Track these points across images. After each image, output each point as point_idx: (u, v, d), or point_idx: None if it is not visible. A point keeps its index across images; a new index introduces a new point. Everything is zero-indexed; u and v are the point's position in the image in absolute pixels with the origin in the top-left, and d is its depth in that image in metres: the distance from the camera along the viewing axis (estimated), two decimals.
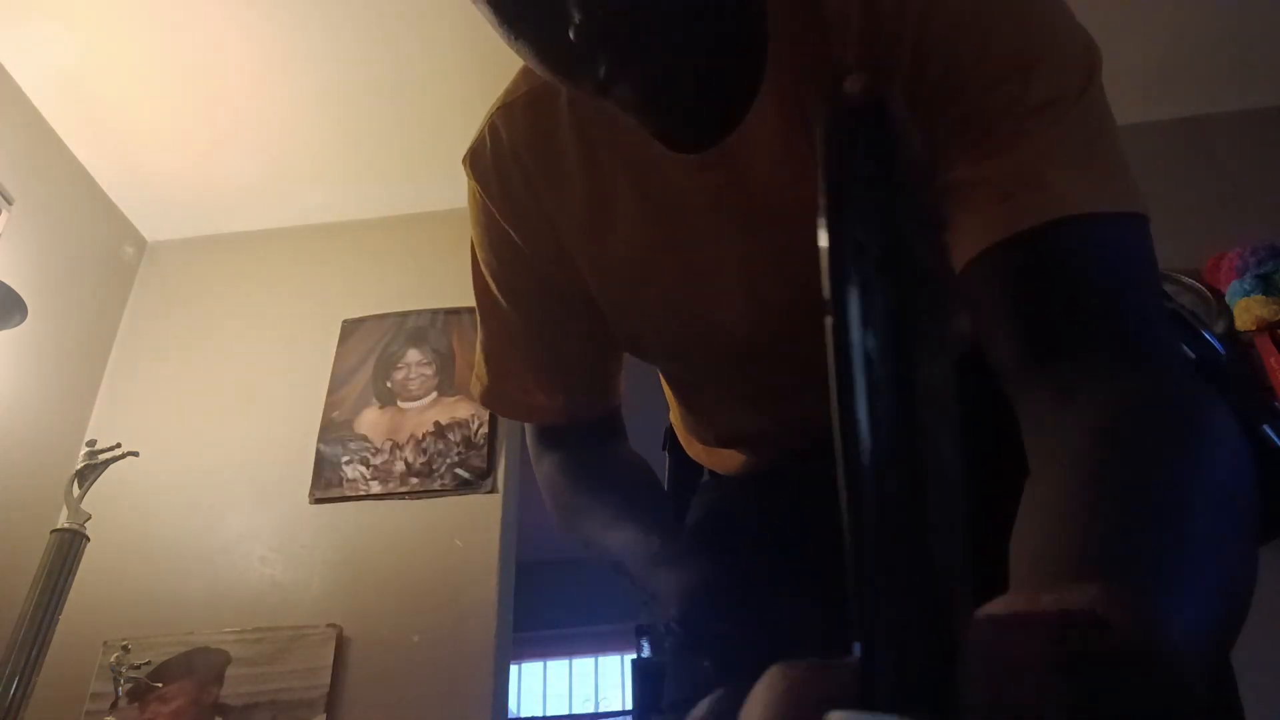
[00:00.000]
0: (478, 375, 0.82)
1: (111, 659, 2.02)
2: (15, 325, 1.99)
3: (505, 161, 0.73)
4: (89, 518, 1.72)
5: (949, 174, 0.55)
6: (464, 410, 2.38)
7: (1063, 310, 0.50)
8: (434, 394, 2.42)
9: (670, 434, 0.93)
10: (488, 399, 0.82)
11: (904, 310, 0.22)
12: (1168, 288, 2.22)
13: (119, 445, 1.84)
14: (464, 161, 0.76)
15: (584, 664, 5.34)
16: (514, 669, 4.72)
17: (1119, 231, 0.53)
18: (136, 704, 2.02)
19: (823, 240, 0.22)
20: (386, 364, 2.48)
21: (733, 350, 0.70)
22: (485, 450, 2.31)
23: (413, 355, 2.49)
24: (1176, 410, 0.45)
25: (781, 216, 0.65)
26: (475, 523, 2.22)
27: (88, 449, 1.83)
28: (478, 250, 0.79)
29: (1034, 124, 0.54)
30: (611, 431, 0.82)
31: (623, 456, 0.81)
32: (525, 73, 0.73)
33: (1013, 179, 0.53)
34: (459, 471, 2.29)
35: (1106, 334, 0.49)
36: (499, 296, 0.77)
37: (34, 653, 1.56)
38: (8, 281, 1.97)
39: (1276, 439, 0.64)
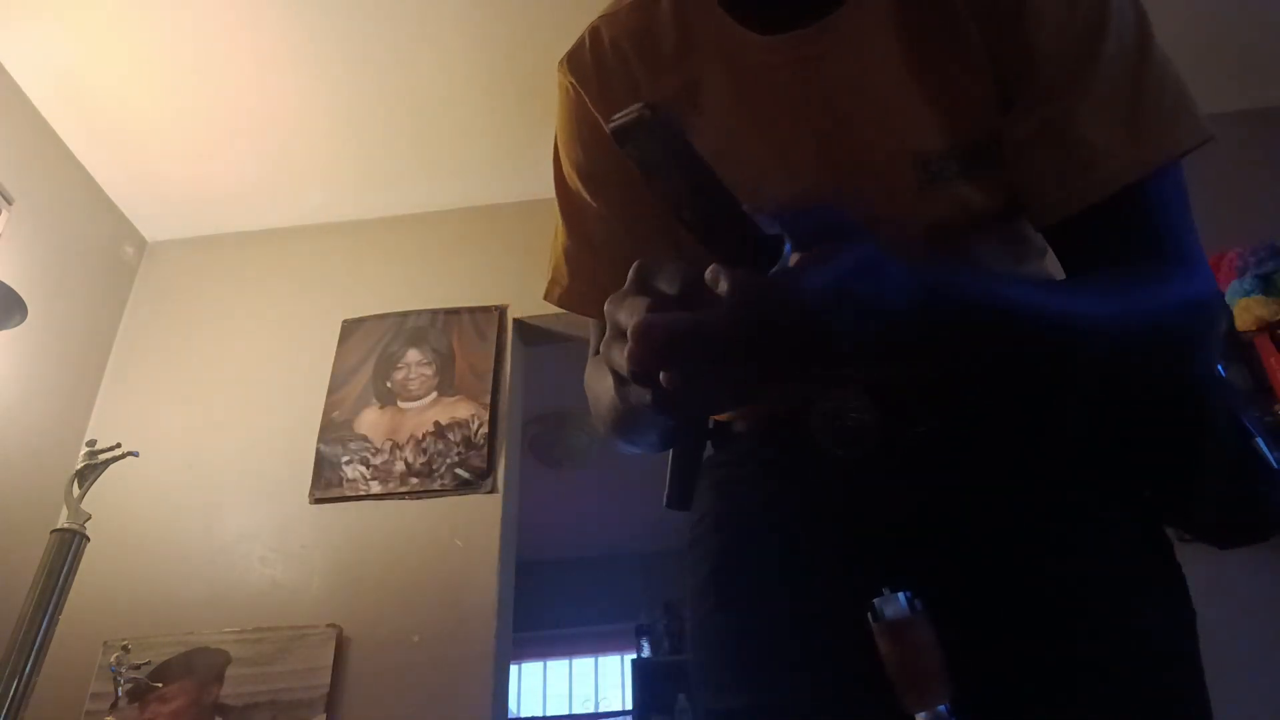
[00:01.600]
0: (555, 279, 0.84)
1: (111, 659, 2.02)
2: (15, 325, 1.99)
3: (605, 56, 0.79)
4: (89, 518, 1.72)
5: (1036, 117, 0.66)
6: (464, 410, 2.38)
7: (1143, 246, 0.66)
8: (434, 394, 2.42)
9: None
10: (566, 298, 0.83)
11: None
12: None
13: (119, 445, 1.84)
14: (560, 64, 0.81)
15: (584, 664, 5.34)
16: (514, 669, 4.73)
17: (1178, 175, 0.68)
18: (136, 704, 2.02)
19: None
20: (386, 364, 2.48)
21: None
22: (485, 450, 2.31)
23: (413, 355, 2.49)
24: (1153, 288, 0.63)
25: (859, 103, 0.70)
26: (475, 523, 2.22)
27: (88, 449, 1.83)
28: (565, 150, 0.83)
29: (1119, 74, 0.66)
30: None
31: None
32: None
33: (1101, 139, 0.65)
34: (459, 471, 2.29)
35: (1166, 254, 0.66)
36: (583, 192, 0.81)
37: (34, 653, 1.56)
38: (8, 281, 1.97)
39: (1269, 454, 0.67)
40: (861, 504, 0.71)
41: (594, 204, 0.81)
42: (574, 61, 0.80)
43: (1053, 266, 0.76)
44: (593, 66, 0.79)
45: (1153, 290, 0.63)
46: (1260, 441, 0.68)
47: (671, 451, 0.88)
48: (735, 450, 0.83)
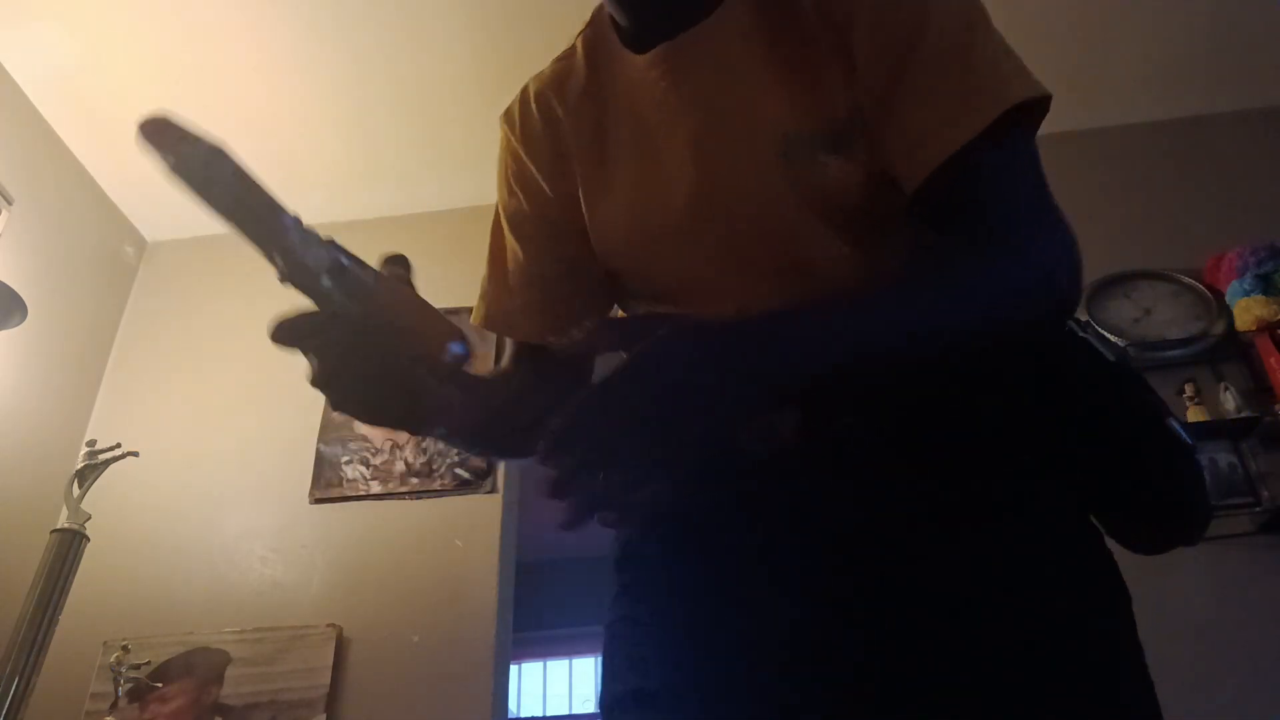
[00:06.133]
0: (476, 307, 0.93)
1: (111, 659, 2.02)
2: (15, 325, 1.99)
3: (529, 108, 0.89)
4: (89, 518, 1.72)
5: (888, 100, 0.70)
6: None
7: (974, 218, 0.68)
8: None
9: None
10: (480, 320, 0.92)
11: None
12: (1168, 287, 2.23)
13: (119, 445, 1.84)
14: (501, 118, 0.92)
15: (584, 664, 5.34)
16: (514, 669, 4.72)
17: (1015, 143, 0.69)
18: (136, 704, 2.02)
19: None
20: None
21: (680, 233, 0.78)
22: None
23: None
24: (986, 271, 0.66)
25: (726, 96, 0.76)
26: (475, 523, 2.22)
27: (88, 449, 1.83)
28: (499, 193, 0.93)
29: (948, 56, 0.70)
30: (548, 371, 0.89)
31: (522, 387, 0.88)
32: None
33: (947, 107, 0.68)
34: (459, 471, 2.29)
35: (997, 226, 0.68)
36: (506, 229, 0.91)
37: (34, 653, 1.56)
38: (8, 281, 1.97)
39: (1182, 433, 0.70)
40: (778, 498, 0.71)
41: (513, 244, 0.90)
42: (508, 115, 0.91)
43: None
44: (520, 117, 0.89)
45: (976, 283, 0.66)
46: (1173, 422, 0.70)
47: None
48: None
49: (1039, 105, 0.68)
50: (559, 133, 0.85)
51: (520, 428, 0.84)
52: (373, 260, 0.68)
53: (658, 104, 0.79)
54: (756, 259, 0.73)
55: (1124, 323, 2.20)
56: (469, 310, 0.94)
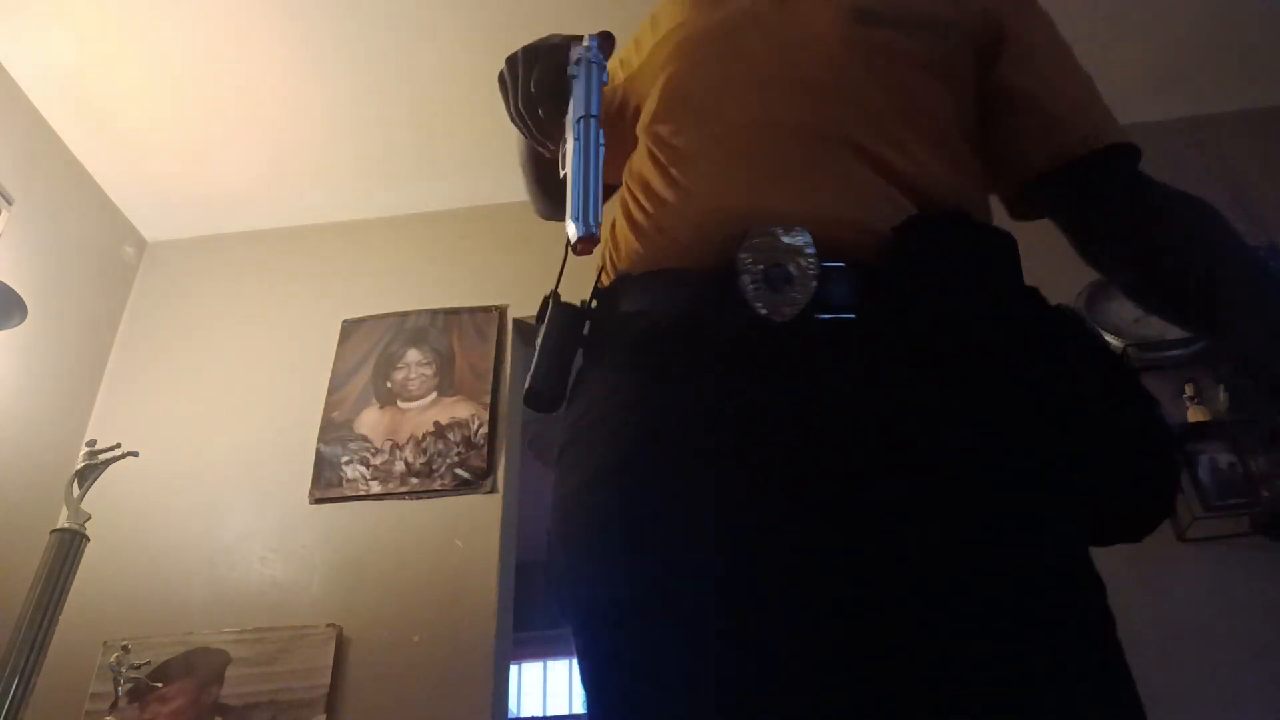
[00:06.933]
0: None
1: (111, 659, 2.02)
2: (15, 325, 1.99)
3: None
4: (89, 518, 1.72)
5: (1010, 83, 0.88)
6: (464, 410, 2.38)
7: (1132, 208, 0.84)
8: (434, 394, 2.42)
9: (551, 304, 0.82)
10: None
11: None
12: None
13: (119, 445, 1.84)
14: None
15: None
16: (514, 669, 4.72)
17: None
18: (136, 704, 2.02)
19: None
20: (386, 364, 2.48)
21: (734, 32, 0.89)
22: (485, 450, 2.31)
23: (413, 355, 2.49)
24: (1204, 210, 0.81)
25: None
26: (475, 523, 2.22)
27: (88, 449, 1.83)
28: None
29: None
30: None
31: None
32: None
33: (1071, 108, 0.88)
34: (459, 471, 2.29)
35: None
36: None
37: (34, 653, 1.56)
38: (8, 281, 1.97)
39: (1170, 426, 0.75)
40: (772, 400, 0.67)
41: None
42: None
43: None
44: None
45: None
46: (1160, 411, 0.70)
47: (544, 331, 0.80)
48: (633, 330, 0.76)
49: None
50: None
51: None
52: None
53: None
54: (791, 78, 0.82)
55: (1124, 323, 2.20)
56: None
